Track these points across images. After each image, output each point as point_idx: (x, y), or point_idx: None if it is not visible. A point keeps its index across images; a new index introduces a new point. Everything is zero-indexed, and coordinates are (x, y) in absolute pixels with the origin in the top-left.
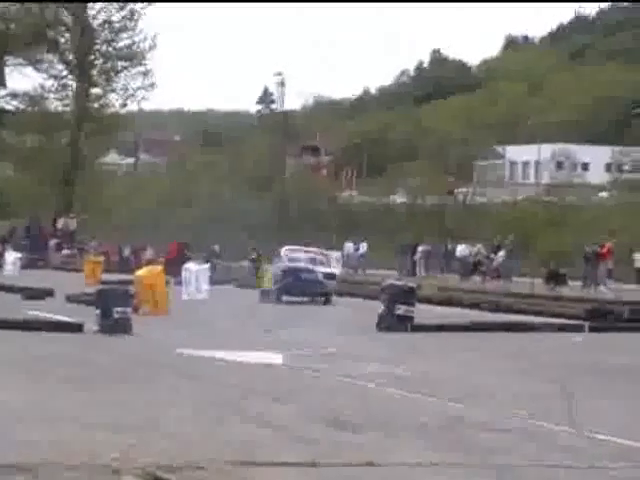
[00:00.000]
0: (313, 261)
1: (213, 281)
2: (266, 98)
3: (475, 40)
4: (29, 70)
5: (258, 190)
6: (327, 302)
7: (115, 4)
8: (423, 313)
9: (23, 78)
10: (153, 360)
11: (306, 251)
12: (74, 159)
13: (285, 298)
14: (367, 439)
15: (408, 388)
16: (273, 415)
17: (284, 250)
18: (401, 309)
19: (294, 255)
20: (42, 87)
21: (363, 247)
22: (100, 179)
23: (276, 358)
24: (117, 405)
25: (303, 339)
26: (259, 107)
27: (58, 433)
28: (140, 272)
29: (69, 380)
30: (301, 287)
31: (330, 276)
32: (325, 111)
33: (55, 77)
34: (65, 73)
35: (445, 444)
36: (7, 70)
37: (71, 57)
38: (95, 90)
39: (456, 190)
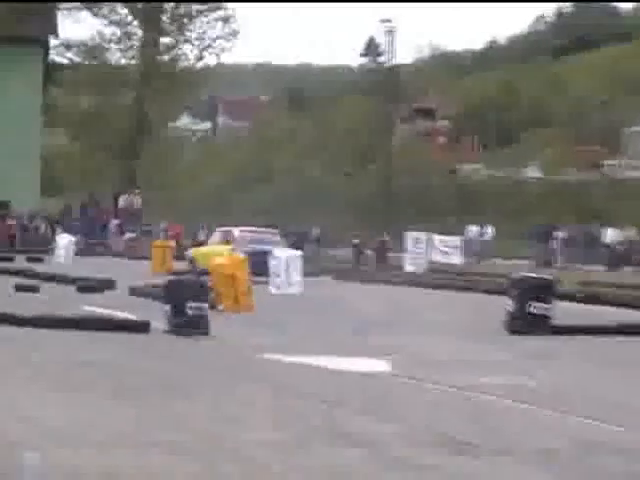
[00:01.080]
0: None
1: (307, 272)
2: (372, 50)
3: None
4: (86, 15)
5: (357, 162)
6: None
7: None
8: (562, 312)
9: (79, 25)
10: (231, 367)
11: (256, 231)
12: (139, 123)
13: None
14: (488, 466)
15: (538, 403)
16: (372, 434)
17: (237, 231)
18: (535, 307)
19: (253, 236)
20: (101, 36)
21: (489, 232)
22: (170, 148)
23: (378, 365)
24: (180, 423)
25: (412, 343)
26: (363, 61)
27: (108, 458)
28: (218, 260)
29: (125, 391)
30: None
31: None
32: (442, 67)
33: (117, 24)
34: (129, 19)
35: (581, 475)
36: (59, 15)
37: None
38: (165, 40)
39: (603, 163)
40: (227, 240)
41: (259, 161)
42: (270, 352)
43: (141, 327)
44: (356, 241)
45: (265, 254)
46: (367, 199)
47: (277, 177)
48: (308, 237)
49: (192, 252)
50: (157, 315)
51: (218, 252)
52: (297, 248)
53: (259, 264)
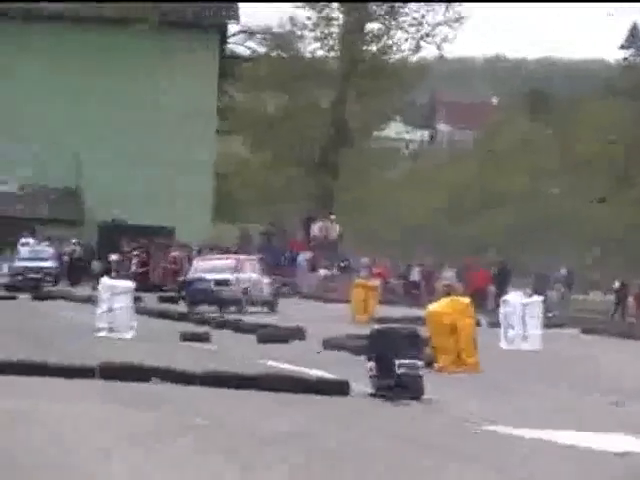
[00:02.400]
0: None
1: (548, 323)
2: (636, 40)
3: None
4: None
5: (613, 184)
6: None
7: None
8: None
9: (265, 9)
10: (444, 442)
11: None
12: (339, 130)
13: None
14: None
15: None
16: None
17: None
18: None
19: (201, 264)
20: (292, 22)
21: None
22: (375, 162)
23: (637, 444)
24: None
25: None
26: (623, 55)
27: None
28: (436, 306)
29: (305, 474)
30: (194, 296)
31: (222, 282)
32: None
33: (313, 7)
34: None
35: None
36: None
37: None
38: (373, 26)
39: None
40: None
41: (486, 181)
42: (499, 424)
43: (338, 389)
44: (617, 285)
45: (208, 282)
46: (626, 231)
47: (509, 202)
48: (551, 278)
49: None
50: (358, 374)
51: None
52: (537, 292)
53: (198, 292)
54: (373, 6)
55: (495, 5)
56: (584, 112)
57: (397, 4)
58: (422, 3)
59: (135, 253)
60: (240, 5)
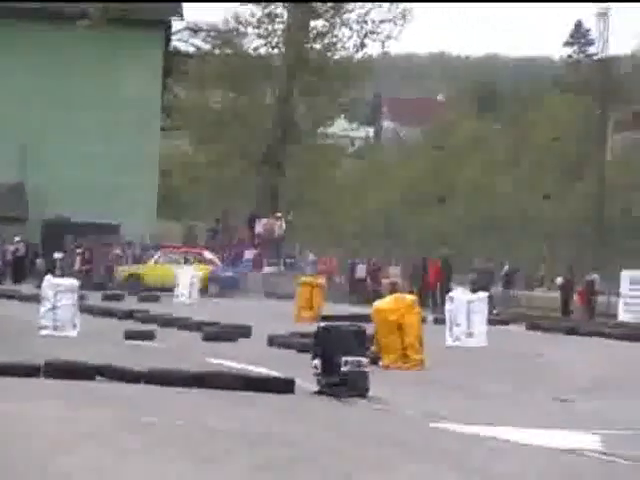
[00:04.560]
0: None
1: (491, 319)
2: (579, 37)
3: None
4: None
5: (561, 180)
6: None
7: None
8: None
9: (209, 5)
10: (393, 439)
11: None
12: (284, 128)
13: None
14: None
15: None
16: None
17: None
18: None
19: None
20: (237, 18)
21: None
22: (321, 158)
23: (582, 441)
24: None
25: (633, 413)
26: (567, 51)
27: None
28: (381, 303)
29: (260, 469)
30: None
31: None
32: None
33: (257, 2)
34: None
35: None
36: None
37: None
38: (317, 23)
39: None
40: None
41: (436, 177)
42: (446, 421)
43: (284, 386)
44: (561, 280)
45: None
46: (572, 227)
47: (458, 197)
48: (496, 274)
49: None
50: (303, 372)
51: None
52: (482, 288)
53: None
54: (317, 3)
55: (440, 5)
56: (534, 108)
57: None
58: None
59: (79, 251)
60: (184, 3)
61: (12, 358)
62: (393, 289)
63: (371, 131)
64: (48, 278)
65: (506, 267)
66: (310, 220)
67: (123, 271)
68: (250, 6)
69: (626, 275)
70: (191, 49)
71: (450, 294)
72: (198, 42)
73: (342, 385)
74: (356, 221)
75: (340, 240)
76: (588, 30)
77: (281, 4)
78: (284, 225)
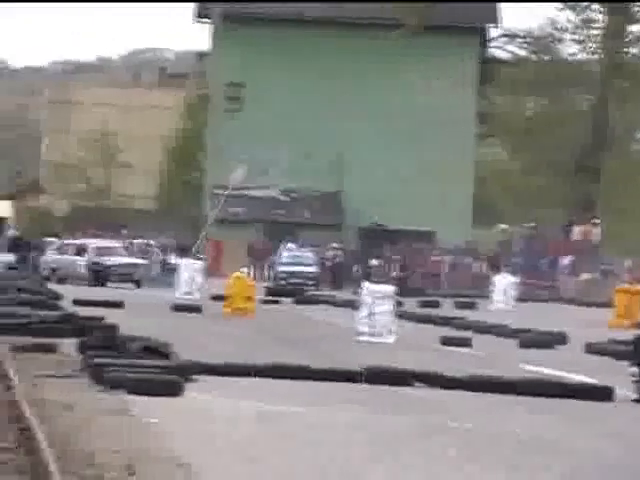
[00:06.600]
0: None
1: None
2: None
3: None
4: None
5: None
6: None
7: None
8: None
9: (521, 13)
10: None
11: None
12: (599, 134)
13: None
14: None
15: None
16: None
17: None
18: None
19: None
20: (553, 24)
21: None
22: (636, 165)
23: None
24: None
25: None
26: None
27: None
28: None
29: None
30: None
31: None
32: None
33: (574, 8)
34: (589, 2)
35: None
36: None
37: None
38: (635, 27)
39: None
40: None
41: None
42: None
43: (601, 394)
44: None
45: None
46: None
47: None
48: None
49: None
50: (622, 380)
51: None
52: None
53: None
54: (635, 7)
55: None
56: None
57: None
58: None
59: (396, 257)
60: (501, 7)
61: (331, 363)
62: None
63: None
64: (367, 284)
65: None
66: (625, 227)
67: None
68: (567, 12)
69: None
70: (507, 55)
71: None
72: (514, 48)
73: None
74: None
75: None
76: None
77: (598, 9)
78: (600, 232)
